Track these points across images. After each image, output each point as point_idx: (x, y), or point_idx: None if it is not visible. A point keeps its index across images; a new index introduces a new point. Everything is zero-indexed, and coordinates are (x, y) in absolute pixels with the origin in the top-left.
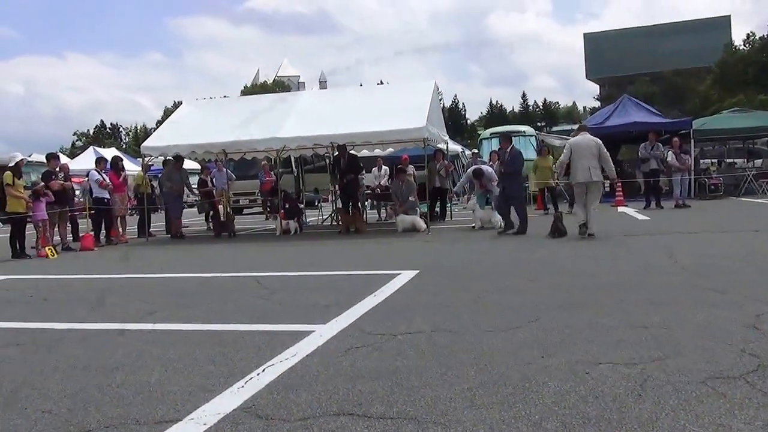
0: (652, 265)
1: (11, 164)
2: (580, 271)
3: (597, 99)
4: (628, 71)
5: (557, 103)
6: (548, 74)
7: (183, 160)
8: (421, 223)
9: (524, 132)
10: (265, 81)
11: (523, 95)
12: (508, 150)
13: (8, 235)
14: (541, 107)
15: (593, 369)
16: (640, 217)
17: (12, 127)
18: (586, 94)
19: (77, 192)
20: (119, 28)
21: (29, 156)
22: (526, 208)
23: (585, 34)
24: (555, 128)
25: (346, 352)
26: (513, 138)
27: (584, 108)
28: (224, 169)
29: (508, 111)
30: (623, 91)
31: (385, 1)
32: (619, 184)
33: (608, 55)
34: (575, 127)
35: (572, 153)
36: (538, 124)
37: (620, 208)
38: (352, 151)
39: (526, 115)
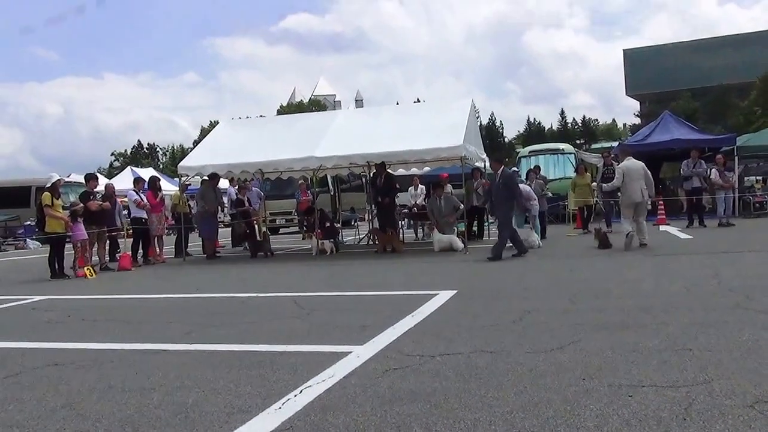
0: (695, 286)
1: (49, 185)
2: (622, 291)
3: (637, 116)
4: (670, 87)
5: (596, 120)
6: (587, 91)
7: (218, 179)
8: (459, 243)
9: (563, 150)
10: (301, 100)
11: (562, 112)
12: (499, 172)
13: (47, 255)
14: (579, 124)
15: (636, 392)
16: (683, 236)
17: (51, 148)
18: (626, 111)
19: (123, 211)
20: (156, 49)
21: (67, 176)
22: (508, 237)
23: (625, 50)
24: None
25: (383, 373)
26: (552, 155)
27: (624, 125)
28: (253, 189)
29: (546, 128)
30: (664, 107)
31: (421, 20)
32: (661, 202)
33: (649, 71)
34: (615, 144)
35: (625, 176)
36: (577, 141)
37: (662, 227)
38: (389, 170)
39: (564, 133)
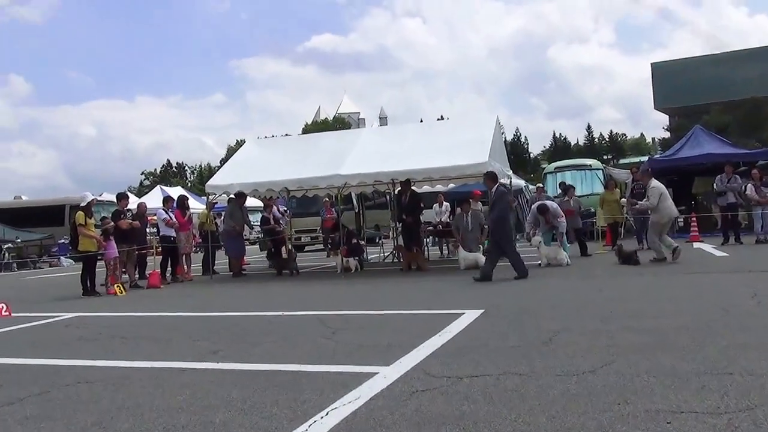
0: (734, 305)
1: (83, 204)
2: (656, 311)
3: (666, 130)
4: (700, 101)
5: (624, 135)
6: (613, 105)
7: (245, 198)
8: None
9: (591, 165)
10: (326, 118)
11: (588, 127)
12: (493, 190)
13: (80, 272)
14: (606, 139)
15: (675, 418)
16: (718, 253)
17: (84, 168)
18: (654, 125)
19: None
20: (184, 72)
21: (100, 195)
22: (510, 256)
23: (653, 64)
24: (622, 161)
25: (411, 395)
26: (579, 171)
27: (653, 139)
28: (275, 206)
29: (572, 144)
30: (695, 121)
31: (443, 36)
32: (694, 218)
33: (678, 85)
34: (644, 158)
35: (661, 195)
36: (605, 156)
37: (696, 244)
38: (413, 187)
39: (591, 148)
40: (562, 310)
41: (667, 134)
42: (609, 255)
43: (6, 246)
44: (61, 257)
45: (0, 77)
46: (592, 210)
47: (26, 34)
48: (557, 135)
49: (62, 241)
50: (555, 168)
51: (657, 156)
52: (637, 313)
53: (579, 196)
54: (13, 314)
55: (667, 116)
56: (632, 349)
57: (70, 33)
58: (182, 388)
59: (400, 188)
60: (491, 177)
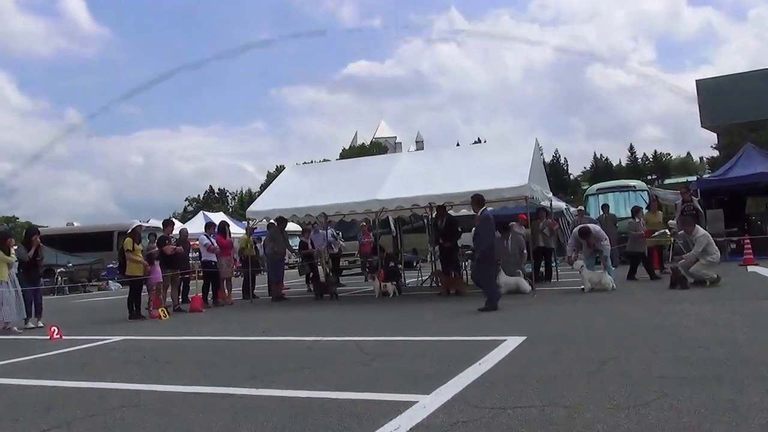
0: None
1: (130, 231)
2: (710, 339)
3: (715, 148)
4: (750, 117)
5: (668, 154)
6: (656, 124)
7: (286, 223)
8: (526, 285)
9: (634, 186)
10: (363, 143)
11: (630, 147)
12: (478, 214)
13: (126, 297)
14: (650, 159)
15: None
16: None
17: (133, 195)
18: (701, 144)
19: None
20: (225, 101)
21: (147, 221)
22: (493, 283)
23: (698, 81)
24: (667, 181)
25: (452, 426)
26: (622, 192)
27: (701, 158)
28: (321, 231)
29: (614, 164)
30: (745, 139)
31: (479, 59)
32: (747, 240)
33: (725, 102)
34: (692, 179)
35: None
36: (649, 177)
37: (750, 268)
38: (451, 211)
39: (634, 168)
40: (609, 338)
41: (716, 153)
42: (656, 280)
43: (59, 270)
44: (110, 281)
45: (58, 111)
46: (652, 232)
47: (81, 70)
48: (598, 156)
49: (111, 265)
50: (597, 189)
51: (706, 176)
52: (691, 342)
53: (622, 219)
54: (64, 337)
55: (715, 134)
56: (687, 380)
57: (120, 67)
58: (222, 413)
59: (436, 212)
60: (477, 200)
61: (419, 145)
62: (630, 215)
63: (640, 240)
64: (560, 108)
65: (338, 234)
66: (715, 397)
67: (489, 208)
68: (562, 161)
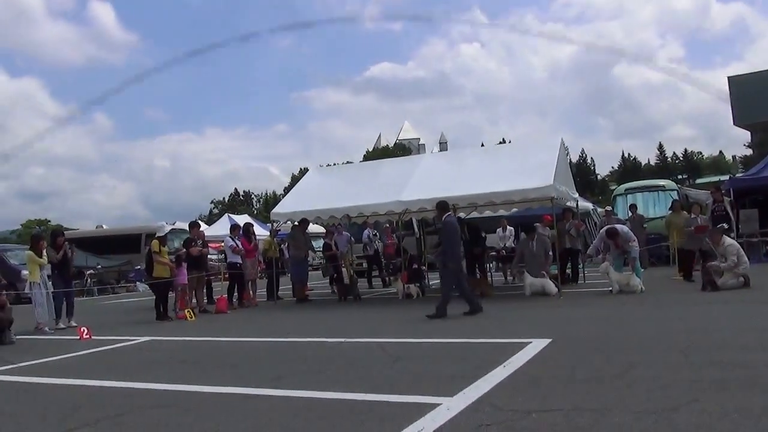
0: None
1: (159, 234)
2: (743, 343)
3: (748, 146)
4: None
5: (699, 153)
6: (686, 123)
7: (307, 224)
8: (552, 287)
9: (664, 186)
10: (387, 145)
11: (660, 146)
12: (442, 220)
13: (153, 298)
14: (681, 158)
15: None
16: None
17: (160, 198)
18: (734, 142)
19: (213, 256)
20: (250, 104)
21: (173, 224)
22: (448, 292)
23: (730, 78)
24: (699, 180)
25: (476, 429)
26: (652, 192)
27: (733, 157)
28: (344, 233)
29: (642, 164)
30: None
31: (503, 60)
32: None
33: (760, 98)
34: (725, 178)
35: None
36: (679, 177)
37: None
38: (474, 213)
39: (664, 168)
40: (637, 341)
41: (749, 151)
42: (687, 281)
43: (89, 272)
44: (137, 282)
45: (86, 116)
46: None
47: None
48: (626, 155)
49: (138, 267)
50: (626, 190)
51: (739, 175)
52: (723, 345)
53: (652, 219)
54: (93, 337)
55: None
56: (718, 385)
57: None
58: (247, 414)
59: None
60: (440, 207)
61: (443, 146)
62: (658, 215)
63: (694, 236)
64: (586, 107)
65: (376, 235)
66: (748, 403)
67: (461, 214)
68: (589, 161)
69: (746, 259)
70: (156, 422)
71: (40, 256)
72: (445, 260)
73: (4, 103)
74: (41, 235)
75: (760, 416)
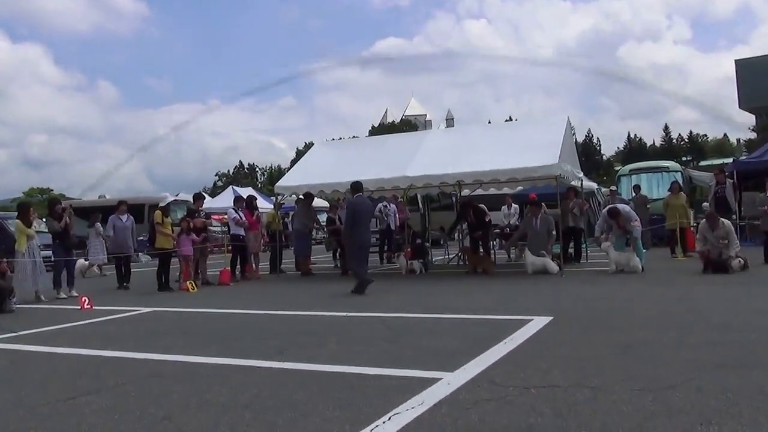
0: None
1: (162, 204)
2: (743, 324)
3: (753, 130)
4: None
5: (704, 135)
6: (692, 105)
7: (312, 198)
8: (553, 266)
9: (668, 167)
10: (393, 121)
11: (665, 128)
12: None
13: (155, 269)
14: (686, 140)
15: None
16: None
17: (163, 170)
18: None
19: (216, 229)
20: (256, 77)
21: (176, 195)
22: (361, 267)
23: (737, 61)
24: (702, 162)
25: (475, 404)
26: (656, 173)
27: (738, 140)
28: (388, 204)
29: (648, 145)
30: None
31: (510, 38)
32: None
33: (765, 82)
34: (729, 161)
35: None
36: (683, 158)
37: None
38: (479, 190)
39: (669, 149)
40: (637, 320)
41: (754, 135)
42: (688, 262)
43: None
44: (140, 254)
45: (92, 84)
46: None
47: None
48: (632, 136)
49: (141, 238)
50: (630, 170)
51: (743, 158)
52: (722, 326)
53: (655, 200)
54: (94, 307)
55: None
56: (716, 364)
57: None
58: (248, 386)
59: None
60: (353, 187)
61: (450, 122)
62: (662, 197)
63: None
64: (593, 87)
65: (386, 206)
66: (745, 382)
67: (466, 191)
68: (595, 141)
69: (737, 242)
70: (157, 392)
71: (29, 226)
72: (345, 239)
73: (6, 69)
74: (29, 204)
75: (754, 394)
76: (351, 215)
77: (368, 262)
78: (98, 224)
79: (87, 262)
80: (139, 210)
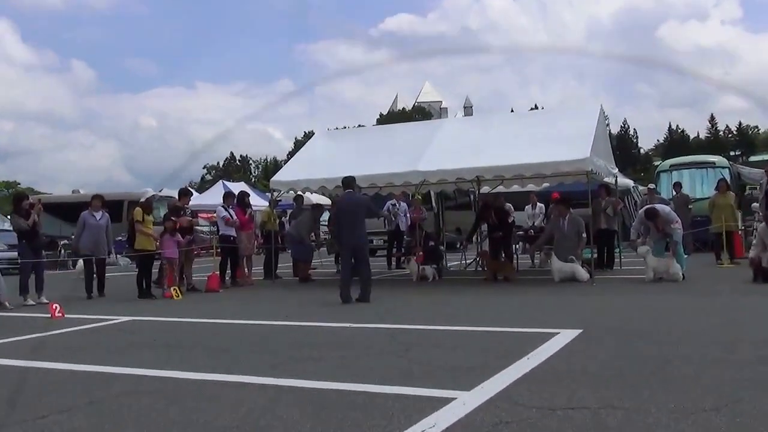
0: None
1: (142, 200)
2: None
3: None
4: None
5: (756, 127)
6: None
7: (322, 211)
8: (583, 273)
9: (714, 163)
10: (404, 108)
11: (711, 118)
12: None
13: (135, 273)
14: (734, 133)
15: None
16: None
17: (144, 162)
18: None
19: (204, 229)
20: (248, 57)
21: (160, 191)
22: (343, 274)
23: None
24: (753, 157)
25: (494, 426)
26: (700, 169)
27: None
28: (397, 202)
29: (691, 137)
30: None
31: (536, 16)
32: None
33: None
34: None
35: None
36: (732, 153)
37: None
38: (500, 187)
39: (715, 143)
40: (676, 334)
41: None
42: (735, 270)
43: (63, 243)
44: (118, 255)
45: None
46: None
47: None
48: (673, 127)
49: (119, 238)
50: (670, 166)
51: None
52: None
53: (698, 199)
54: (66, 315)
55: None
56: (764, 385)
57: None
58: (238, 405)
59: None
60: (344, 183)
61: (468, 111)
62: (706, 196)
63: None
64: (629, 72)
65: (395, 205)
66: None
67: (486, 188)
68: (631, 133)
69: None
70: (136, 411)
71: None
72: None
73: None
74: None
75: None
76: (343, 214)
77: (367, 270)
78: None
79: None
80: (117, 207)
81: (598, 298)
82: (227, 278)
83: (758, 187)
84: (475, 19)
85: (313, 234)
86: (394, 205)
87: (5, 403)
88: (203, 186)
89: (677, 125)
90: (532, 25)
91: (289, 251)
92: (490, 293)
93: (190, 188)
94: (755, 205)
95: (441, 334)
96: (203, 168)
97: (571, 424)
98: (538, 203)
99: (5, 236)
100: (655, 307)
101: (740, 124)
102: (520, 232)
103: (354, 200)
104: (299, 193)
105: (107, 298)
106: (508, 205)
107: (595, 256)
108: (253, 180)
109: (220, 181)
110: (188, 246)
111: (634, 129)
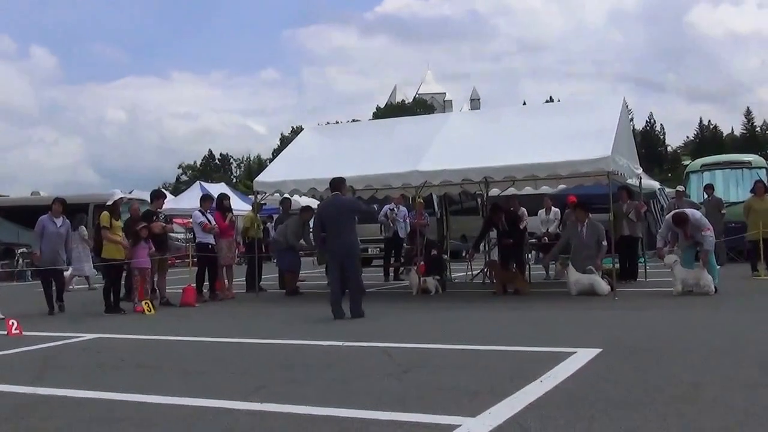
0: None
1: (109, 203)
2: None
3: None
4: None
5: None
6: None
7: (311, 215)
8: (603, 285)
9: (750, 162)
10: (404, 100)
11: (747, 112)
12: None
13: (102, 285)
14: None
15: None
16: None
17: (112, 160)
18: None
19: (179, 236)
20: (229, 43)
21: (130, 192)
22: (332, 283)
23: None
24: None
25: None
26: (734, 170)
27: None
28: (393, 207)
29: (724, 134)
30: None
31: None
32: None
33: None
34: None
35: None
36: None
37: None
38: (512, 188)
39: (751, 140)
40: (707, 354)
41: None
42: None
43: (20, 251)
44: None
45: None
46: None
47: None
48: (704, 123)
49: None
50: (702, 166)
51: None
52: None
53: (733, 203)
54: (24, 333)
55: None
56: None
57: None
58: None
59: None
60: (332, 184)
61: (474, 103)
62: (742, 199)
63: None
64: (655, 62)
65: (393, 210)
66: None
67: (495, 190)
68: (658, 129)
69: None
70: None
71: None
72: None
73: None
74: None
75: None
76: (315, 221)
77: (356, 280)
78: (83, 227)
79: (69, 273)
80: (82, 211)
81: (619, 313)
82: (205, 291)
83: None
84: (483, 1)
85: (302, 241)
86: (392, 209)
87: None
88: (178, 188)
89: (708, 120)
90: (545, 7)
91: (275, 261)
92: (499, 308)
93: (163, 190)
94: None
95: (444, 353)
96: (178, 168)
97: None
98: (553, 208)
99: None
100: (683, 324)
101: None
102: (533, 240)
103: (337, 203)
104: (286, 195)
105: (71, 313)
106: (522, 210)
107: (617, 266)
108: (234, 181)
109: (198, 182)
110: (161, 254)
111: (661, 124)
